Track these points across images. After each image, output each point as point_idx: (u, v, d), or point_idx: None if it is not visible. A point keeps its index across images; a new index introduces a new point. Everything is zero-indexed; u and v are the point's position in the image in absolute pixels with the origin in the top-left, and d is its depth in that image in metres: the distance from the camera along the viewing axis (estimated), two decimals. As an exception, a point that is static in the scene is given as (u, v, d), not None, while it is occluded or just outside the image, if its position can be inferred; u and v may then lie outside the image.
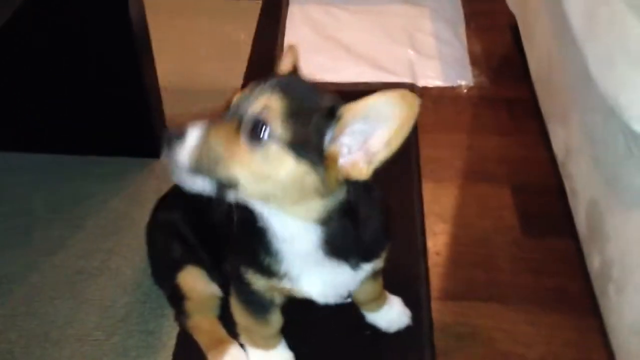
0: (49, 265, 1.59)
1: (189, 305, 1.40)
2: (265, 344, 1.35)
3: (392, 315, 1.43)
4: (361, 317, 1.45)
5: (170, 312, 1.46)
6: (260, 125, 0.91)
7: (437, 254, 1.64)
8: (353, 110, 0.92)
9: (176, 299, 1.41)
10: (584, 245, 1.39)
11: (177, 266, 1.39)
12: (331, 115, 0.93)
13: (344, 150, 0.94)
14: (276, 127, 0.91)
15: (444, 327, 1.46)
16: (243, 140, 0.93)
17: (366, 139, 0.92)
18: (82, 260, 1.60)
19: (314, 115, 0.93)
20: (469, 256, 1.63)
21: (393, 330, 1.43)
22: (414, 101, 0.88)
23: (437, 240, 1.67)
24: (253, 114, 0.92)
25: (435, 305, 1.50)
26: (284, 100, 0.92)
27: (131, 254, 1.61)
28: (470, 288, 1.55)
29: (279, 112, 0.91)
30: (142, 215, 1.58)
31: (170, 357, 1.39)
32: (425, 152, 1.91)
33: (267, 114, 0.91)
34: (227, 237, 1.22)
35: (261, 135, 0.91)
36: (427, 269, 1.58)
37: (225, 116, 0.96)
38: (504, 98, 2.12)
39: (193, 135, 0.94)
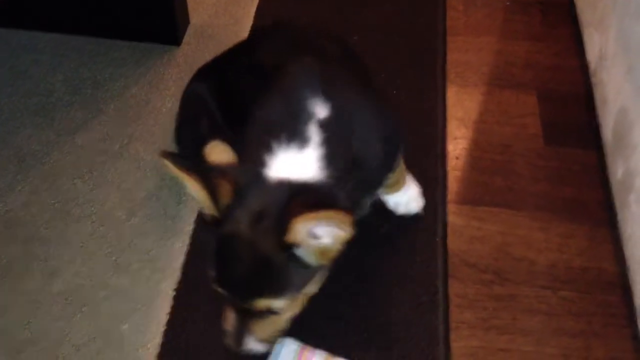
0: (71, 146, 1.60)
1: None
2: None
3: (402, 198, 1.43)
4: (377, 216, 1.43)
5: (188, 199, 1.48)
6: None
7: (457, 158, 1.63)
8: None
9: None
10: (608, 155, 1.37)
11: (204, 140, 1.36)
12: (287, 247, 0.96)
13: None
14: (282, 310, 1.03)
15: (458, 229, 1.47)
16: None
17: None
18: (102, 142, 1.61)
19: (281, 263, 0.97)
20: (488, 162, 1.62)
21: (400, 212, 1.44)
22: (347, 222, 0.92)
23: (458, 144, 1.66)
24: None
25: (451, 208, 1.51)
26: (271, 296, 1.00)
27: (152, 140, 1.61)
28: (487, 193, 1.55)
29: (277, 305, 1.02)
30: (163, 102, 1.57)
31: (189, 242, 1.42)
32: (453, 55, 1.86)
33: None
34: None
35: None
36: (445, 172, 1.57)
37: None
38: (538, 1, 2.03)
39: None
